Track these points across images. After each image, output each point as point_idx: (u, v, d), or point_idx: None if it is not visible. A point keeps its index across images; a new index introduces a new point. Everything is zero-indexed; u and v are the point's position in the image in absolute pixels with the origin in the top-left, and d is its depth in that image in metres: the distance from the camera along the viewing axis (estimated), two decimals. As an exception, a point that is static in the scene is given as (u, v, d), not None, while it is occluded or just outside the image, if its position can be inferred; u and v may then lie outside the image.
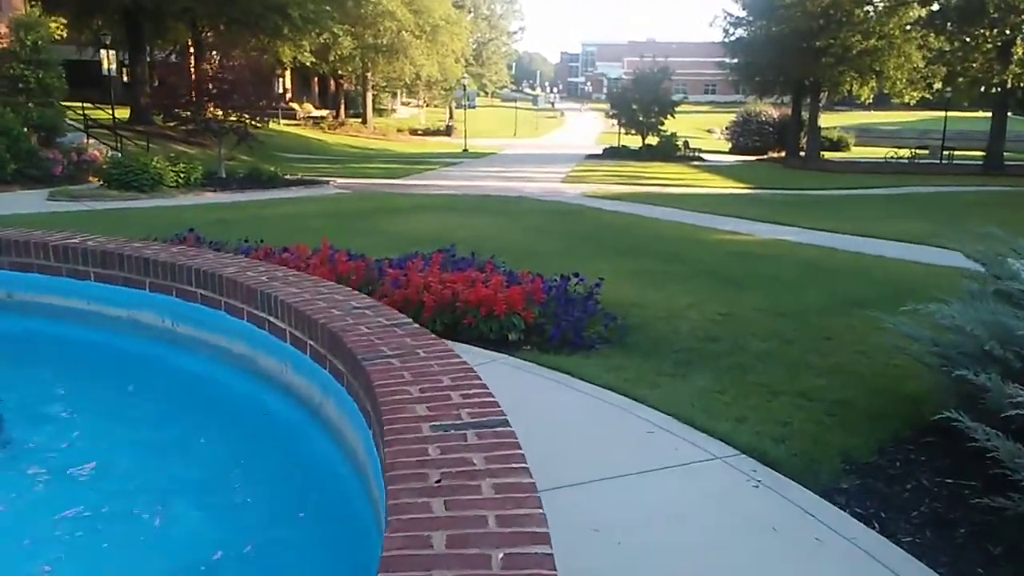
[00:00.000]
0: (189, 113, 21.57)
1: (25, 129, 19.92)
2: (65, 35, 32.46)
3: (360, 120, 54.01)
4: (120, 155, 20.67)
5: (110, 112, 28.80)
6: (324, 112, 54.35)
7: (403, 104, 72.15)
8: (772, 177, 28.38)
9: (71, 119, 25.35)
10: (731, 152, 43.47)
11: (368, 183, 23.40)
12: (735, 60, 38.18)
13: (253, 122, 21.98)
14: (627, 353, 5.72)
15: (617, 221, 14.91)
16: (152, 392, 3.93)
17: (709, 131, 58.22)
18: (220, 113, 21.28)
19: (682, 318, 6.82)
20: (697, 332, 6.37)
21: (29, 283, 4.50)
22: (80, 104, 27.29)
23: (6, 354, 4.39)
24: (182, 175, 19.20)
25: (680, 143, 38.77)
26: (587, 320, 6.03)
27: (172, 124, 23.54)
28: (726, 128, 48.93)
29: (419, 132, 57.56)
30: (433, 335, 2.93)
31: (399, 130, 56.32)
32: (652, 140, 38.84)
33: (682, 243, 11.93)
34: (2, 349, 4.44)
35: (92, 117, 27.11)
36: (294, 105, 53.19)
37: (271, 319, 3.49)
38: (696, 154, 38.51)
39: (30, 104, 21.05)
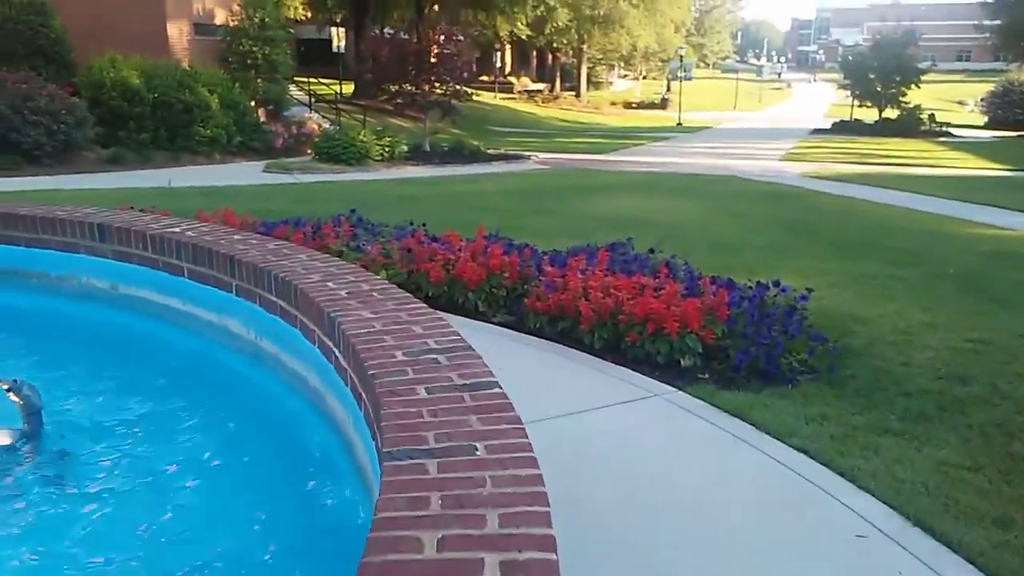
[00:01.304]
0: (397, 88, 21.82)
1: (252, 103, 21.02)
2: (309, 15, 34.54)
3: (574, 93, 53.31)
4: (333, 129, 21.30)
5: (338, 87, 30.02)
6: (540, 86, 54.24)
7: (620, 77, 70.61)
8: (1040, 157, 24.27)
9: (300, 94, 26.64)
10: (987, 127, 38.24)
11: (569, 158, 22.60)
12: (996, 21, 33.36)
13: (457, 93, 21.84)
14: (838, 392, 4.39)
15: (840, 207, 12.99)
16: (223, 421, 3.28)
17: (960, 103, 51.86)
18: (426, 87, 21.30)
19: (918, 343, 5.30)
20: (938, 366, 4.87)
21: (130, 275, 4.03)
22: (307, 79, 28.65)
23: (106, 352, 3.98)
24: (386, 149, 19.46)
25: (924, 116, 34.47)
26: (786, 343, 4.75)
27: (384, 99, 24.00)
28: (982, 100, 43.12)
29: (633, 105, 56.04)
30: (511, 414, 1.95)
31: (612, 103, 55.09)
32: (890, 113, 34.84)
33: (921, 238, 9.98)
34: (103, 346, 4.03)
35: (317, 92, 28.37)
36: (511, 79, 53.49)
37: (336, 353, 2.66)
38: (943, 129, 34.10)
39: (258, 80, 22.19)
